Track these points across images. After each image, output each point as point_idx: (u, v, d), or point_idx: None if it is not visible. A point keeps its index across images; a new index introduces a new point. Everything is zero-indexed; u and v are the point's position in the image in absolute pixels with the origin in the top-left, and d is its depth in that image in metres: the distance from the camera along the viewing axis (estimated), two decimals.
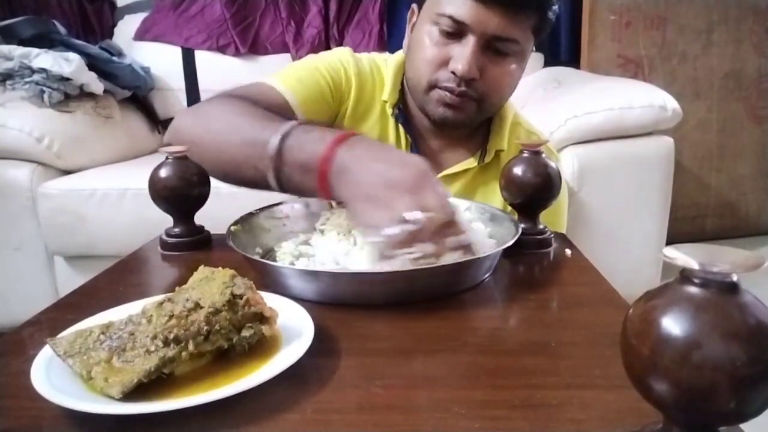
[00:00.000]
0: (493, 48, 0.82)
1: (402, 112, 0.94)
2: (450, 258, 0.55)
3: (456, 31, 0.81)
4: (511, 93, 0.92)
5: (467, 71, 0.80)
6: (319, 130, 0.65)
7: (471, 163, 0.93)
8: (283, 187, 0.66)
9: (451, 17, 0.80)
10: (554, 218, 0.94)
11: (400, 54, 0.95)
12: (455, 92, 0.83)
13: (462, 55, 0.80)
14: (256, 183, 0.67)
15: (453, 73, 0.81)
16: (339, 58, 0.94)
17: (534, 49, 0.89)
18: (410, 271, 0.54)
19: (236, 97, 0.78)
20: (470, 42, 0.80)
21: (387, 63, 0.96)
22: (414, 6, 0.91)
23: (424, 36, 0.84)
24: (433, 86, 0.85)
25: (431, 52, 0.83)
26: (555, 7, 0.84)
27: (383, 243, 0.55)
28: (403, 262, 0.54)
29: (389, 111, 0.93)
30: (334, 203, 0.70)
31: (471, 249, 0.58)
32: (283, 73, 0.90)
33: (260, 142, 0.65)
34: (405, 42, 0.92)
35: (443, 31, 0.82)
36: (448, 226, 0.56)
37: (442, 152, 0.95)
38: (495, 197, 0.90)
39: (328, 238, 0.64)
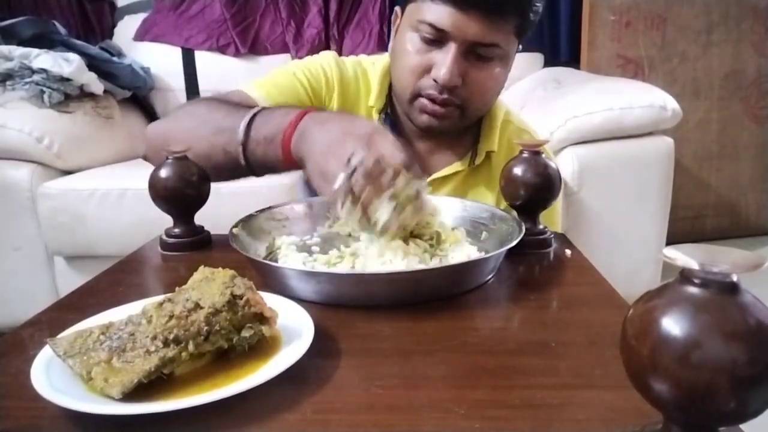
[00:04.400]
0: (475, 53, 0.81)
1: (389, 116, 0.93)
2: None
3: (436, 38, 0.80)
4: (496, 96, 0.91)
5: (448, 79, 0.79)
6: (285, 107, 0.73)
7: (461, 165, 0.92)
8: (250, 165, 0.71)
9: (431, 24, 0.79)
10: (550, 219, 0.94)
11: (387, 57, 0.94)
12: (438, 100, 0.82)
13: (443, 62, 0.79)
14: (225, 168, 0.73)
15: (435, 80, 0.81)
16: (321, 63, 0.93)
17: (520, 49, 0.88)
18: (414, 272, 0.54)
19: (205, 98, 0.83)
20: (451, 49, 0.79)
21: (375, 66, 0.95)
22: (397, 9, 0.89)
23: (406, 43, 0.83)
24: (416, 95, 0.84)
25: (413, 60, 0.82)
26: (537, 7, 0.81)
27: (334, 195, 0.57)
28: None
29: (375, 117, 0.92)
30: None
31: (420, 199, 0.60)
32: (261, 80, 0.91)
33: (228, 127, 0.71)
34: (390, 45, 0.91)
35: (424, 38, 0.81)
36: (400, 172, 0.58)
37: (431, 155, 0.95)
38: (486, 199, 0.90)
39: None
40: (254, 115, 0.70)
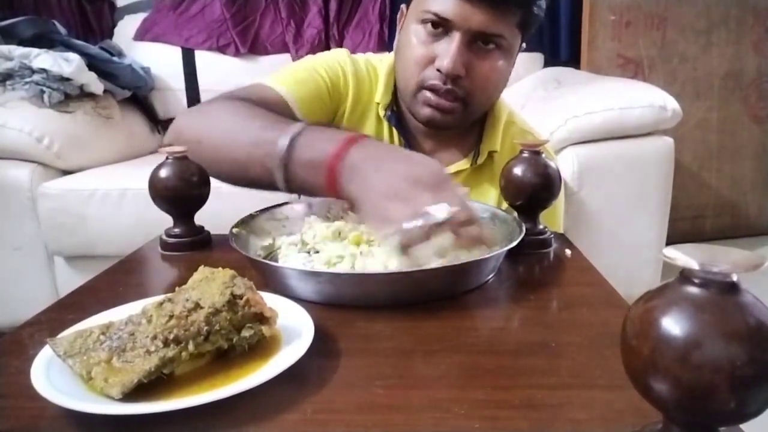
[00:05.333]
0: (478, 44, 0.82)
1: (394, 113, 0.93)
2: (467, 255, 0.56)
3: (441, 28, 0.81)
4: (499, 92, 0.91)
5: (452, 68, 0.80)
6: (330, 130, 0.68)
7: (464, 164, 0.93)
8: (288, 185, 0.67)
9: (435, 14, 0.80)
10: (551, 218, 0.94)
11: (393, 54, 0.94)
12: (441, 90, 0.82)
13: (447, 51, 0.80)
14: (260, 182, 0.69)
15: (438, 70, 0.81)
16: (336, 58, 0.94)
17: (523, 47, 0.89)
18: (414, 272, 0.54)
19: (238, 98, 0.80)
20: (455, 38, 0.80)
21: (382, 63, 0.96)
22: (403, 6, 0.90)
23: (411, 35, 0.84)
24: (420, 87, 0.84)
25: (418, 51, 0.83)
26: (541, 2, 0.83)
27: (402, 236, 0.55)
28: (424, 257, 0.54)
29: (381, 113, 0.93)
30: (345, 205, 0.69)
31: (487, 246, 0.58)
32: (281, 74, 0.90)
33: (268, 140, 0.67)
34: (395, 41, 0.92)
35: (429, 29, 0.82)
36: (467, 223, 0.57)
37: (434, 153, 0.95)
38: (488, 198, 0.91)
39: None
40: (297, 133, 0.66)
